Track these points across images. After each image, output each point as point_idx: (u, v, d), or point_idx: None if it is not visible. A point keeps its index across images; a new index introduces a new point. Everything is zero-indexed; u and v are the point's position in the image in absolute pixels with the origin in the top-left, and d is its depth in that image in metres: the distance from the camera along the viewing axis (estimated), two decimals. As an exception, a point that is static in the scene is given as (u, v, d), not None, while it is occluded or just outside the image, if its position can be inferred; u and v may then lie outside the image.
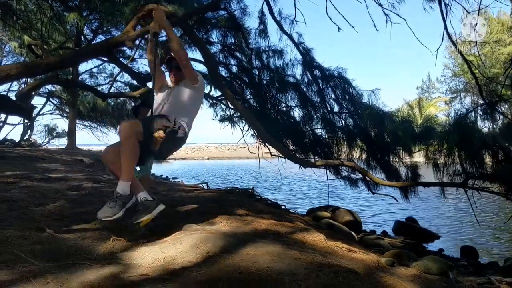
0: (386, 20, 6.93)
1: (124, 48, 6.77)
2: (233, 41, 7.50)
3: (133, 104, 11.31)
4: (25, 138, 23.83)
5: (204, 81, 3.33)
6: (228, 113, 8.74)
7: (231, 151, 52.57)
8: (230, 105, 8.01)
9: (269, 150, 7.57)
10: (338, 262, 2.56)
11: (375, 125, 6.60)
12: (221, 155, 50.72)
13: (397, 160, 6.55)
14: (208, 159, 46.23)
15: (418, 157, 6.58)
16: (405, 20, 6.78)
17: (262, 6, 7.22)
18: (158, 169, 22.11)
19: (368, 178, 6.34)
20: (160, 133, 2.79)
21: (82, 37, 17.27)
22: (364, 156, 6.81)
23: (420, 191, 6.18)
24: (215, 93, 8.13)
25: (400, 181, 6.36)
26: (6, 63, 20.57)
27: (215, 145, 69.94)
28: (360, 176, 6.62)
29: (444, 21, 5.90)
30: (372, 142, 6.72)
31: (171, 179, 15.97)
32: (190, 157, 47.18)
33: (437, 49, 6.66)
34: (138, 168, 4.12)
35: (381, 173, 6.65)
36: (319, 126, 7.21)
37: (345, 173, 7.01)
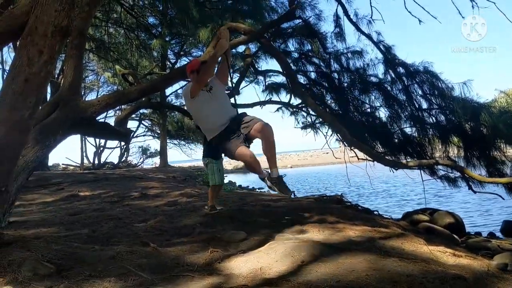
0: (472, 6, 6.43)
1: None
2: (310, 47, 7.49)
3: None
4: (122, 159, 25.99)
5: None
6: (310, 120, 8.69)
7: (313, 158, 52.09)
8: (311, 112, 7.97)
9: (356, 154, 7.36)
10: (443, 268, 2.39)
11: (471, 119, 6.10)
12: (304, 162, 50.45)
13: (499, 154, 5.99)
14: (291, 167, 46.24)
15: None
16: (494, 3, 6.22)
17: (336, 10, 7.12)
18: (243, 179, 22.68)
19: (467, 176, 5.88)
20: None
21: (166, 61, 18.50)
22: (462, 153, 6.32)
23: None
24: (295, 101, 8.16)
25: (504, 177, 5.80)
26: (102, 92, 22.76)
27: (297, 153, 69.81)
28: (459, 174, 6.15)
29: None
30: (469, 138, 6.22)
31: (257, 190, 16.24)
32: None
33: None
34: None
35: (483, 170, 6.12)
36: (408, 125, 6.85)
37: (442, 172, 6.56)
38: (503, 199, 5.78)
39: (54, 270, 2.28)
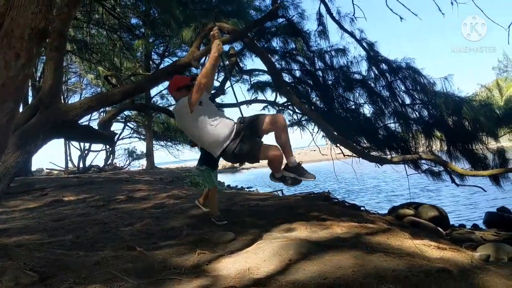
0: (451, 2, 6.53)
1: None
2: (294, 46, 7.50)
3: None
4: (108, 162, 25.70)
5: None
6: (296, 118, 8.72)
7: (301, 155, 52.20)
8: (297, 110, 8.00)
9: (341, 151, 7.42)
10: (428, 261, 2.42)
11: (453, 113, 6.19)
12: (292, 160, 50.43)
13: (481, 147, 6.09)
14: (279, 165, 46.16)
15: (504, 141, 6.07)
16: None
17: (319, 8, 7.15)
18: (231, 179, 22.62)
19: (450, 170, 5.97)
20: None
21: (150, 62, 18.34)
22: (445, 147, 6.41)
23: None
24: (281, 99, 8.18)
25: (487, 170, 5.91)
26: (86, 95, 22.46)
27: (285, 151, 69.84)
28: (442, 168, 6.24)
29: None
30: (452, 132, 6.31)
31: (246, 189, 16.22)
32: (261, 165, 47.55)
33: (509, 26, 6.09)
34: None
35: (466, 163, 6.22)
36: (392, 121, 6.93)
37: (425, 167, 6.65)
38: (485, 191, 5.90)
39: (37, 278, 2.24)
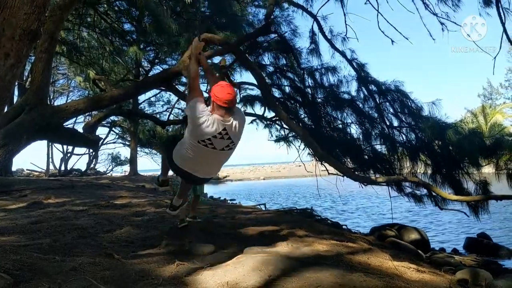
0: (442, 29, 6.72)
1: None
2: (285, 62, 7.57)
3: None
4: (90, 167, 25.34)
5: (194, 106, 2.93)
6: (283, 133, 8.77)
7: (287, 170, 52.35)
8: (284, 125, 8.04)
9: (326, 168, 7.45)
10: (406, 284, 2.43)
11: (438, 138, 6.29)
12: (277, 174, 50.63)
13: (465, 174, 6.18)
14: (264, 179, 46.36)
15: (487, 169, 6.17)
16: (461, 26, 6.53)
17: (312, 26, 7.26)
18: (215, 190, 22.50)
19: (434, 193, 6.04)
20: None
21: (140, 68, 18.28)
22: (429, 171, 6.49)
23: (492, 205, 5.77)
24: (269, 114, 8.21)
25: (469, 195, 5.99)
26: (73, 97, 22.22)
27: (270, 165, 70.12)
28: (425, 192, 6.31)
29: (504, 25, 5.61)
30: (437, 156, 6.40)
31: (229, 201, 16.14)
32: (246, 177, 47.58)
33: (495, 56, 6.28)
34: None
35: (449, 188, 6.30)
36: (378, 142, 7.00)
37: (408, 190, 6.71)
38: (468, 216, 5.96)
39: (11, 282, 2.18)
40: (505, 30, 5.68)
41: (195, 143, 2.94)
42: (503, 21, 5.60)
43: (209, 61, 7.08)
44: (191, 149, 2.98)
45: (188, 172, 3.17)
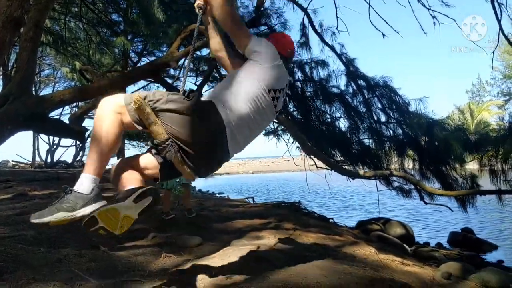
0: (434, 23, 6.71)
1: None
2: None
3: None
4: (77, 159, 25.03)
5: (269, 44, 2.08)
6: (272, 127, 8.76)
7: (276, 165, 52.42)
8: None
9: (315, 162, 7.48)
10: (391, 276, 2.46)
11: (425, 134, 6.36)
12: (266, 168, 50.69)
13: (451, 169, 6.26)
14: (253, 173, 46.35)
15: (472, 165, 6.25)
16: (454, 20, 6.52)
17: (303, 19, 7.23)
18: (204, 184, 22.43)
19: (420, 188, 6.11)
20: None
21: (128, 60, 18.02)
22: (417, 166, 6.56)
23: (479, 199, 5.88)
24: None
25: (454, 190, 6.07)
26: (59, 88, 21.83)
27: (259, 159, 70.20)
28: (413, 186, 6.38)
29: (499, 21, 5.61)
30: (424, 152, 6.46)
31: (217, 195, 16.11)
32: (235, 171, 47.55)
33: (493, 51, 6.28)
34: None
35: (436, 183, 6.37)
36: (366, 136, 7.04)
37: (396, 184, 6.77)
38: (452, 211, 6.04)
39: (-7, 273, 2.15)
40: (500, 27, 5.66)
41: (265, 92, 2.01)
42: (499, 17, 5.58)
43: (197, 52, 7.05)
44: (255, 101, 1.96)
45: (217, 142, 1.86)
